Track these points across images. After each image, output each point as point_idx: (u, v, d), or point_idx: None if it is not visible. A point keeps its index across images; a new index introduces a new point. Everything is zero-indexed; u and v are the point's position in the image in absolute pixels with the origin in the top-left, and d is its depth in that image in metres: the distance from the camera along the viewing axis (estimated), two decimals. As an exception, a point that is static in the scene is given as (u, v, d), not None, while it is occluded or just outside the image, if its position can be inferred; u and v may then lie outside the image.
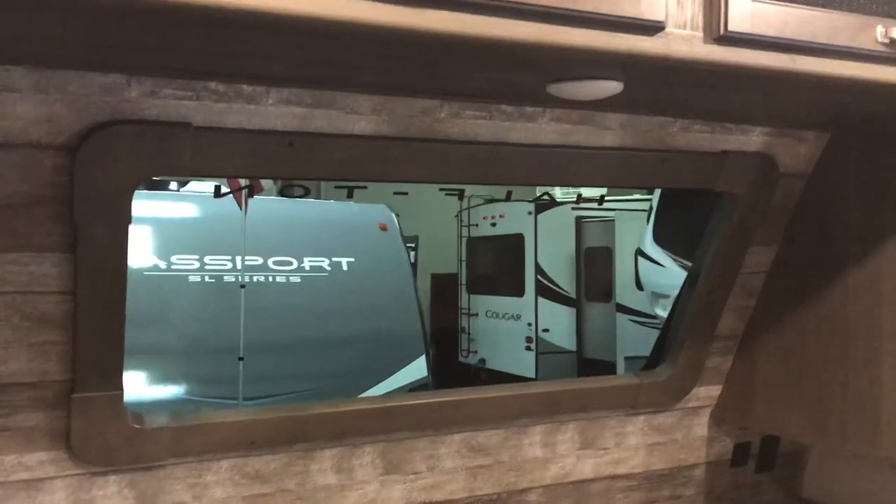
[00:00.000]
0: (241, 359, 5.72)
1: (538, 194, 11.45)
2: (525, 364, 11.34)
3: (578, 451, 2.72)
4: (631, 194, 11.20)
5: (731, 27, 1.47)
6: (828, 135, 2.44)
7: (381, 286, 6.66)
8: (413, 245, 11.64)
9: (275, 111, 1.81)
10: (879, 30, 1.61)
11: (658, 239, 9.83)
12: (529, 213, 11.52)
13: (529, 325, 11.73)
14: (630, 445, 2.79)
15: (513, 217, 11.84)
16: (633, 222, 10.81)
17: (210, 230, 6.43)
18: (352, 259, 6.61)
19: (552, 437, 2.67)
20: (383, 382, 6.35)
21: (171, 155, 1.74)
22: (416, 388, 6.45)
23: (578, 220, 11.93)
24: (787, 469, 3.09)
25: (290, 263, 6.42)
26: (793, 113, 2.24)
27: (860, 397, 2.38)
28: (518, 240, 11.68)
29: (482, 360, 12.16)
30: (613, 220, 11.55)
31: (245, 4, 1.16)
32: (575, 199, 11.34)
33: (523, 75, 1.71)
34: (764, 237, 2.58)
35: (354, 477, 2.40)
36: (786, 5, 1.53)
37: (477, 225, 12.38)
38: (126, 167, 1.70)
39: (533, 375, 11.12)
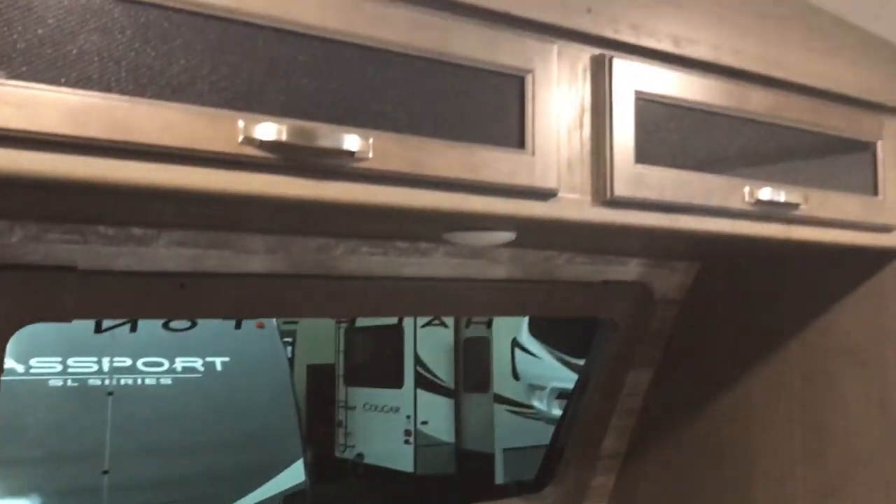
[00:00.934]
0: (105, 472, 5.36)
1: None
2: (404, 458, 11.18)
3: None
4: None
5: (616, 192, 1.57)
6: (698, 265, 2.60)
7: (257, 387, 6.46)
8: (290, 340, 11.41)
9: (166, 253, 1.77)
10: (746, 190, 1.76)
11: (533, 331, 10.06)
12: (408, 304, 11.54)
13: (408, 417, 11.62)
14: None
15: (391, 308, 11.81)
16: (509, 314, 11.02)
17: (74, 330, 6.09)
18: (226, 359, 6.40)
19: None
20: (258, 490, 6.09)
21: (53, 300, 1.66)
22: (292, 493, 6.22)
23: (457, 311, 12.03)
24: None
25: (161, 364, 6.14)
26: (665, 249, 2.39)
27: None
28: (397, 330, 11.66)
29: (360, 455, 11.91)
30: (490, 311, 11.73)
31: (118, 178, 1.11)
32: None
33: (421, 227, 1.75)
34: (643, 360, 2.70)
35: None
36: (665, 170, 1.65)
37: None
38: (3, 315, 1.61)
39: (412, 469, 10.97)
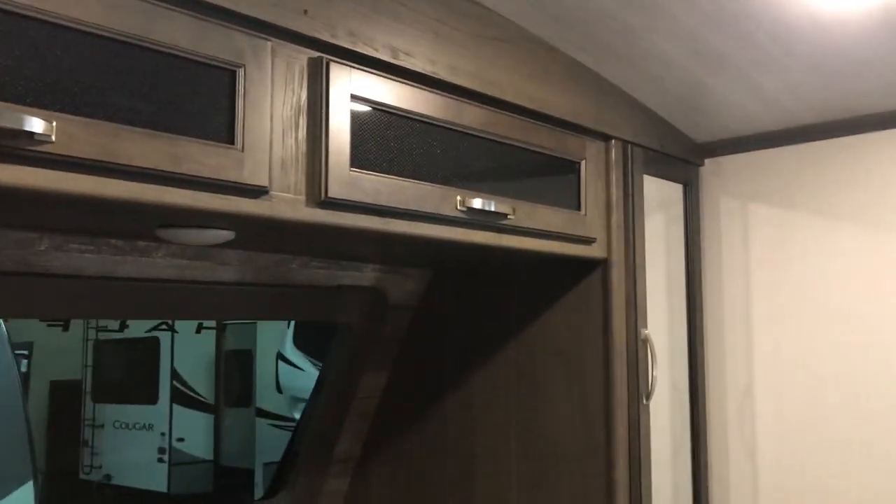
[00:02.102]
0: None
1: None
2: (157, 477, 10.57)
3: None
4: (273, 296, 11.18)
5: (330, 193, 1.60)
6: (430, 273, 2.71)
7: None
8: (26, 352, 10.42)
9: None
10: (458, 199, 1.86)
11: (298, 342, 9.95)
12: (166, 314, 10.97)
13: (163, 434, 11.01)
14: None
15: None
16: (274, 325, 10.83)
17: None
18: (-56, 372, 5.72)
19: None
20: (-21, 516, 5.48)
21: None
22: (20, 519, 5.65)
23: (219, 322, 11.63)
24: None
25: None
26: (398, 256, 2.47)
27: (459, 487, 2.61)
28: (152, 342, 11.04)
29: (107, 476, 11.10)
30: (255, 323, 11.46)
31: None
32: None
33: (129, 222, 1.68)
34: (377, 364, 2.76)
35: None
36: (381, 176, 1.70)
37: (106, 326, 11.48)
38: None
39: (165, 489, 10.39)
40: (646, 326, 2.38)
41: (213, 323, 11.36)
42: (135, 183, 1.33)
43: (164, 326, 10.93)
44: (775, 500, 2.54)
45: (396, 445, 2.80)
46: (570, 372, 2.39)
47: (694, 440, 2.61)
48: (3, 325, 6.28)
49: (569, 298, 2.43)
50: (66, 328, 11.79)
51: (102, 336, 11.47)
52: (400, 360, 2.80)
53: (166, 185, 1.37)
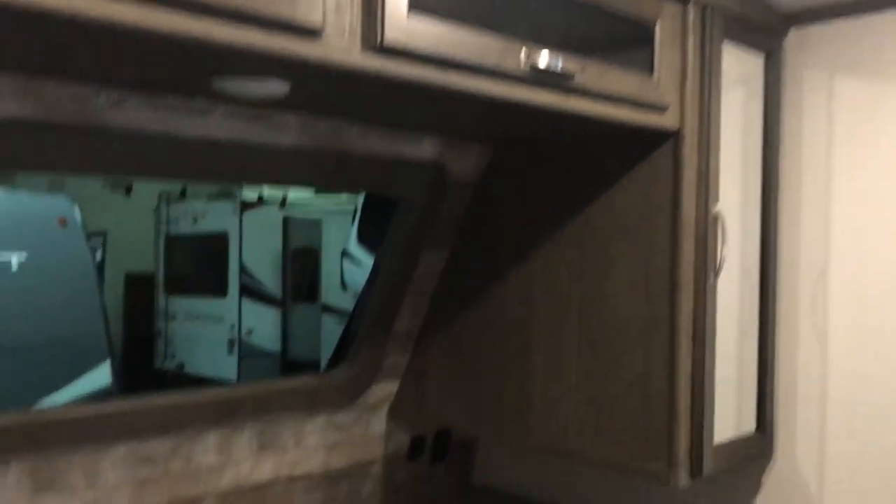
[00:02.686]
0: None
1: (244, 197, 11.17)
2: (227, 367, 11.00)
3: (256, 455, 2.67)
4: (340, 196, 11.36)
5: (386, 39, 1.52)
6: (491, 148, 2.63)
7: (59, 287, 6.06)
8: (100, 242, 10.79)
9: None
10: (523, 54, 1.76)
11: (362, 239, 10.05)
12: (234, 211, 11.20)
13: (233, 327, 11.39)
14: (309, 446, 2.80)
15: (216, 215, 11.43)
16: (340, 223, 10.95)
17: None
18: (24, 256, 5.95)
19: (228, 442, 2.59)
20: (61, 391, 5.79)
21: None
22: (99, 395, 5.95)
23: (286, 219, 11.82)
24: (460, 460, 3.30)
25: (-53, 260, 5.63)
26: (460, 126, 2.39)
27: (514, 392, 2.61)
28: (222, 238, 11.30)
29: (180, 365, 11.60)
30: (321, 221, 11.60)
31: None
32: (281, 201, 11.26)
33: (184, 68, 1.64)
34: (436, 242, 2.73)
35: None
36: (440, 24, 1.61)
37: (177, 221, 11.78)
38: None
39: (235, 378, 10.82)
40: (717, 203, 2.27)
41: (278, 220, 11.54)
42: (180, 16, 1.27)
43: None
44: (844, 388, 2.45)
45: (455, 324, 2.79)
46: (636, 248, 2.31)
47: (762, 325, 2.52)
48: (77, 211, 6.48)
49: (637, 173, 2.33)
50: (128, 192, 11.97)
51: (174, 231, 11.78)
52: (459, 239, 2.76)
53: (214, 17, 1.31)
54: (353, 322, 2.90)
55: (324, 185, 2.40)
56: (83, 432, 2.25)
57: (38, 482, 2.22)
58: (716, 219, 2.27)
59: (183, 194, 11.67)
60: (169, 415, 2.40)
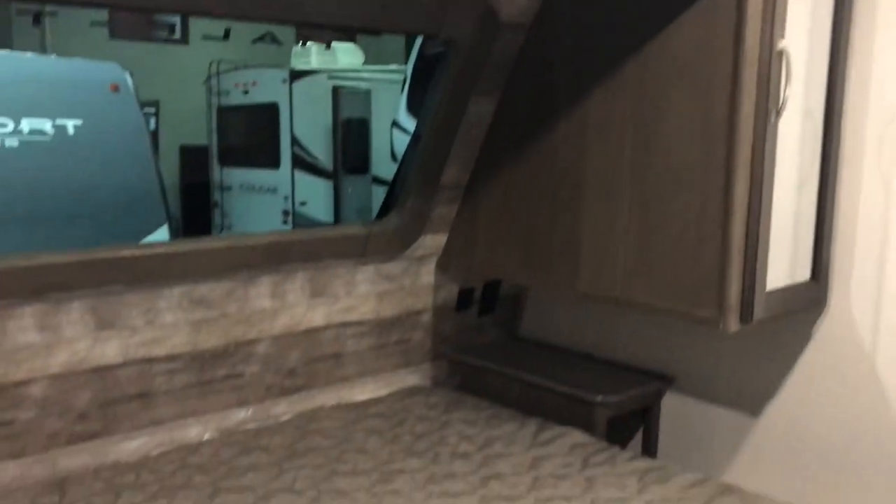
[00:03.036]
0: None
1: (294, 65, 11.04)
2: (281, 237, 11.17)
3: (308, 301, 2.73)
4: (388, 64, 11.12)
5: None
6: (545, -14, 2.51)
7: (114, 153, 6.13)
8: (153, 111, 10.86)
9: None
10: None
11: (411, 108, 9.90)
12: (284, 80, 11.11)
13: (286, 198, 11.52)
14: (360, 294, 2.85)
15: (266, 85, 11.35)
16: (390, 93, 10.80)
17: None
18: (79, 122, 6.00)
19: (281, 287, 2.65)
20: (122, 254, 5.96)
21: None
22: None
23: (335, 89, 11.70)
24: (507, 312, 3.34)
25: (5, 125, 5.71)
26: (511, -42, 2.27)
27: (564, 239, 2.58)
28: (272, 109, 11.27)
29: (237, 234, 11.82)
30: (370, 91, 11.45)
31: None
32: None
33: None
34: (485, 88, 2.65)
35: (62, 334, 2.24)
36: None
37: (228, 93, 11.75)
38: None
39: (289, 248, 11.00)
40: (783, 39, 2.14)
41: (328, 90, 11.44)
42: None
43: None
44: (907, 237, 2.37)
45: (504, 173, 2.75)
46: (694, 88, 2.21)
47: (823, 169, 2.42)
48: (129, 78, 6.49)
49: (697, 7, 2.19)
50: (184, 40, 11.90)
51: (225, 102, 11.79)
52: (509, 85, 2.67)
53: None
54: (401, 173, 2.88)
55: (370, 26, 2.33)
56: (141, 273, 2.31)
57: (100, 320, 2.30)
58: (780, 56, 2.14)
59: (226, 35, 11.54)
60: (223, 258, 2.45)
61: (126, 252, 2.28)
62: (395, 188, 2.92)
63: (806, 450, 2.54)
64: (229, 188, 12.08)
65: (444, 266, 3.02)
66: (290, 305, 2.69)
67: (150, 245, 2.36)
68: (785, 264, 2.34)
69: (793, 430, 2.57)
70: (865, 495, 2.42)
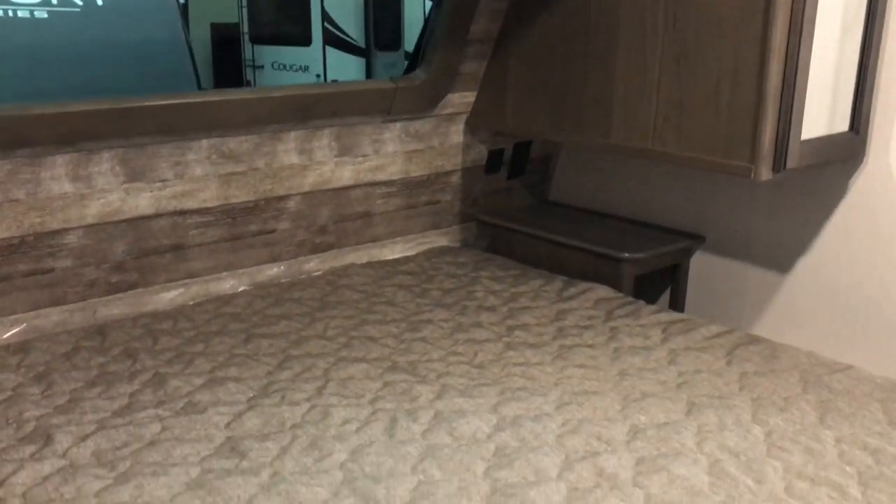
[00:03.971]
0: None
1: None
2: (314, 116, 11.10)
3: (336, 159, 2.73)
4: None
5: None
6: None
7: (143, 24, 6.07)
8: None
9: None
10: None
11: (444, -18, 9.55)
12: (313, -46, 10.77)
13: (318, 76, 11.37)
14: (388, 153, 2.85)
15: (295, -41, 11.03)
16: (423, -35, 10.43)
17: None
18: (107, -9, 5.91)
19: (308, 143, 2.65)
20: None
21: None
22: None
23: (366, -36, 11.31)
24: (536, 176, 3.32)
25: (34, -4, 5.65)
26: None
27: (596, 92, 2.53)
28: (301, -16, 10.97)
29: (270, 113, 11.75)
30: (402, -34, 11.07)
31: None
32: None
33: None
34: (516, -66, 2.55)
35: (94, 185, 2.28)
36: None
37: (256, -32, 11.44)
38: None
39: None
40: None
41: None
42: None
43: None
44: (954, 87, 2.27)
45: (535, 24, 2.66)
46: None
47: (869, 19, 2.31)
48: (153, -52, 6.32)
49: None
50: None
51: (253, -23, 11.50)
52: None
53: None
54: (429, 28, 2.81)
55: None
56: (169, 123, 2.32)
57: (131, 171, 2.33)
58: None
59: None
60: (250, 110, 2.45)
61: (154, 101, 2.28)
62: (422, 43, 2.85)
63: (836, 304, 2.54)
64: (261, 67, 11.94)
65: (473, 125, 2.98)
66: (318, 163, 2.69)
67: (178, 94, 2.35)
68: (823, 114, 2.27)
69: (823, 285, 2.56)
70: (891, 348, 2.42)
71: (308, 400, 1.91)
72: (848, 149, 2.36)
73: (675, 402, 1.91)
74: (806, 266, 2.59)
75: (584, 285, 2.65)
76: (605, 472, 1.61)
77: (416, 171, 2.94)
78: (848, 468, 1.63)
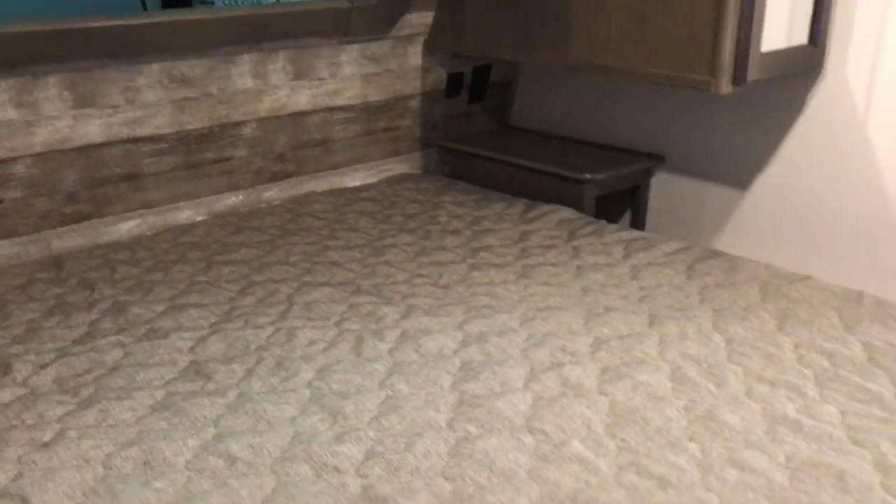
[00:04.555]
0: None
1: None
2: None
3: (292, 83, 2.67)
4: None
5: None
6: None
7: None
8: None
9: None
10: None
11: None
12: None
13: None
14: (345, 76, 2.78)
15: None
16: None
17: None
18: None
19: (262, 66, 2.58)
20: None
21: None
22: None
23: None
24: (497, 100, 3.28)
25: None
26: None
27: (556, 9, 2.48)
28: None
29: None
30: None
31: None
32: None
33: None
34: None
35: (41, 111, 2.20)
36: None
37: None
38: None
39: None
40: None
41: None
42: None
43: None
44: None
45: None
46: None
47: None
48: None
49: None
50: None
51: None
52: None
53: None
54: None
55: None
56: (117, 45, 2.23)
57: (80, 97, 2.25)
58: None
59: None
60: (200, 31, 2.36)
61: (99, 23, 2.19)
62: None
63: (794, 218, 2.57)
64: None
65: (431, 46, 2.92)
66: (274, 87, 2.62)
67: (125, 16, 2.25)
68: (783, 27, 2.26)
69: (782, 200, 2.59)
70: (851, 259, 2.48)
71: (272, 323, 1.90)
72: (806, 61, 2.37)
73: (637, 314, 1.93)
74: (765, 182, 2.61)
75: (546, 207, 2.65)
76: (570, 382, 1.63)
77: (375, 95, 2.88)
78: (805, 371, 1.68)
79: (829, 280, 2.12)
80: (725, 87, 2.16)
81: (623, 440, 1.44)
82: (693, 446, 1.43)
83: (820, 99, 2.43)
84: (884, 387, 1.61)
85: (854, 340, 1.79)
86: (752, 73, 2.16)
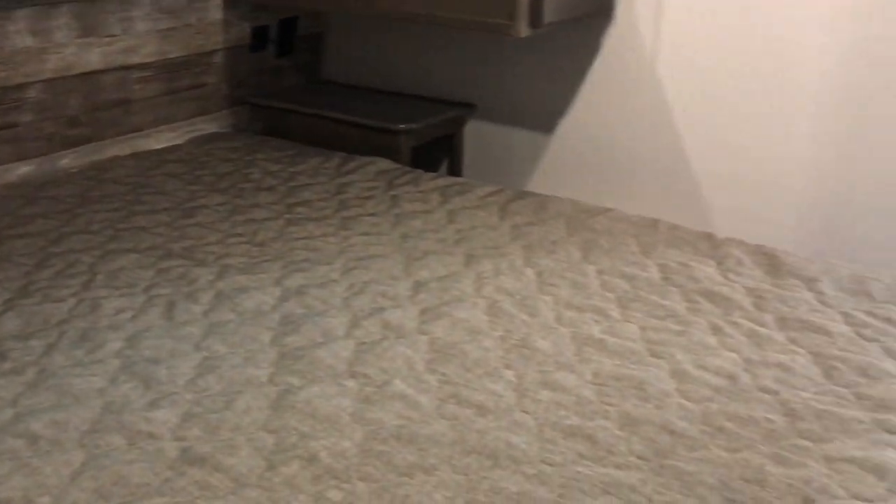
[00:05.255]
0: None
1: None
2: None
3: (79, 40, 2.48)
4: None
5: None
6: None
7: None
8: None
9: None
10: None
11: None
12: None
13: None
14: (139, 32, 2.62)
15: None
16: None
17: None
18: None
19: (42, 23, 2.37)
20: None
21: None
22: None
23: None
24: (307, 54, 3.21)
25: None
26: None
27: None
28: None
29: None
30: None
31: None
32: None
33: None
34: None
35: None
36: None
37: None
38: None
39: None
40: None
41: None
42: None
43: None
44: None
45: None
46: None
47: None
48: None
49: None
50: None
51: None
52: None
53: None
54: None
55: None
56: None
57: None
58: None
59: None
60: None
61: None
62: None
63: (595, 156, 2.72)
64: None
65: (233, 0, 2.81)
66: (59, 45, 2.43)
67: None
68: (574, -29, 2.36)
69: (583, 140, 2.73)
70: (647, 190, 2.65)
71: (74, 295, 1.78)
72: (598, 4, 2.48)
73: (454, 255, 1.97)
74: (567, 124, 2.74)
75: (363, 159, 2.64)
76: (392, 325, 1.65)
77: (174, 51, 2.74)
78: (609, 294, 1.79)
79: (628, 211, 2.26)
80: (524, 29, 2.22)
81: (443, 374, 1.48)
82: (509, 373, 1.49)
83: (612, 41, 2.57)
84: (677, 302, 1.75)
85: (651, 263, 1.93)
86: (549, 16, 2.23)
